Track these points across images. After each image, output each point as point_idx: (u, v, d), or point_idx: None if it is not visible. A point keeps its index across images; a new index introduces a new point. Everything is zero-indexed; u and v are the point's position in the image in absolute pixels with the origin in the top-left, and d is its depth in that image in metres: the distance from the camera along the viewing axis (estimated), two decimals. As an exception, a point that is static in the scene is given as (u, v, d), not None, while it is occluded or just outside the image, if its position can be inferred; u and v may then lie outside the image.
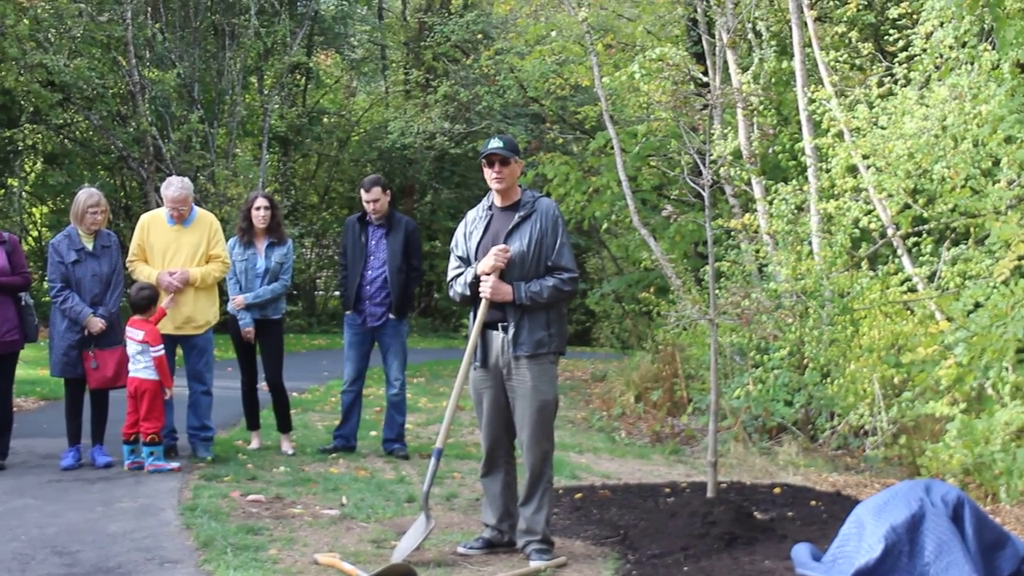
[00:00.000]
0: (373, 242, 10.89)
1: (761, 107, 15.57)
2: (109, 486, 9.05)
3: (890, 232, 12.55)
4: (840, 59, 14.04)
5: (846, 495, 9.49)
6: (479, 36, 30.23)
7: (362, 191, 11.07)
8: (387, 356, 11.04)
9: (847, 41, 14.99)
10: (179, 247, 10.34)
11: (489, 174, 7.22)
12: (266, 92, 32.44)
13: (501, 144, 7.20)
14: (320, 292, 39.10)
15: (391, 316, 10.85)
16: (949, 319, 10.70)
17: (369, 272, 10.86)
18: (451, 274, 7.41)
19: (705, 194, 8.70)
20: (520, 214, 7.16)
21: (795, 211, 13.22)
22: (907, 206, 12.15)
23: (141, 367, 9.79)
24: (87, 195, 10.09)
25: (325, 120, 37.27)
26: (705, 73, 17.58)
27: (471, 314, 7.31)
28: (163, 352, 9.88)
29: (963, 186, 11.21)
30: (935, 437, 10.11)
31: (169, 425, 10.35)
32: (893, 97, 12.16)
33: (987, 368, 9.39)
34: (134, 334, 9.80)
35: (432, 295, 38.51)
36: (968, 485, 9.33)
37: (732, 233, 14.95)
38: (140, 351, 9.78)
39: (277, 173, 34.44)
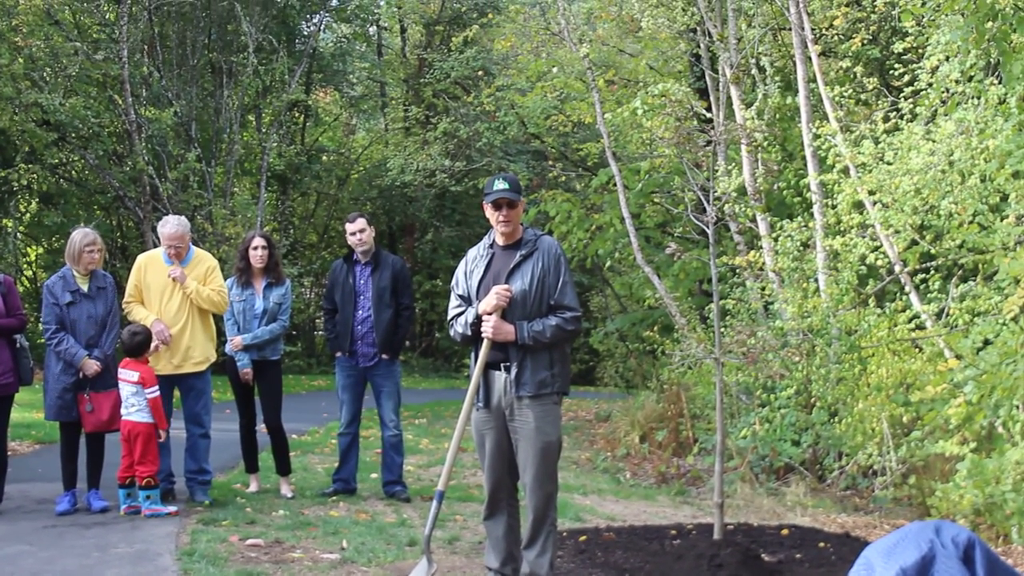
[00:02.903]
0: (362, 281, 10.91)
1: (765, 143, 15.61)
2: (105, 531, 9.03)
3: (897, 269, 12.56)
4: (845, 94, 14.09)
5: (855, 536, 9.46)
6: (479, 73, 30.38)
7: (347, 224, 11.11)
8: (380, 398, 11.05)
9: (852, 76, 15.06)
10: (176, 287, 10.34)
11: (496, 217, 7.20)
12: (264, 130, 32.52)
13: (507, 186, 7.18)
14: (320, 332, 39.09)
15: (383, 356, 10.86)
16: (958, 357, 10.69)
17: (359, 312, 10.88)
18: (451, 313, 7.40)
19: (709, 231, 8.71)
20: (522, 252, 7.16)
21: (801, 248, 13.24)
22: (914, 242, 12.17)
23: (134, 410, 9.77)
24: (82, 235, 10.10)
25: (324, 158, 37.37)
26: (708, 109, 17.66)
27: (472, 354, 7.30)
28: (159, 394, 9.88)
29: (971, 222, 11.22)
30: (945, 477, 10.10)
31: (166, 468, 10.35)
32: (899, 132, 12.19)
33: (997, 406, 9.37)
34: (128, 376, 9.78)
35: (433, 335, 38.52)
36: (979, 526, 9.30)
37: (737, 271, 14.97)
38: (134, 392, 9.76)
39: (275, 212, 34.51)
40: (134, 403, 9.78)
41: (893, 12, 14.14)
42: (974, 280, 11.66)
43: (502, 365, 7.08)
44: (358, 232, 10.89)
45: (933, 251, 12.01)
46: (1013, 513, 9.02)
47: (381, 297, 10.83)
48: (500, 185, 7.19)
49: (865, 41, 15.48)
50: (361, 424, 11.34)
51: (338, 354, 11.14)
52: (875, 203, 12.22)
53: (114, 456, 10.01)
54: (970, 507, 9.28)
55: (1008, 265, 10.28)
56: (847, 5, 15.49)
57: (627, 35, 23.76)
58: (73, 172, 29.30)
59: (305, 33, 34.63)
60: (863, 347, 12.10)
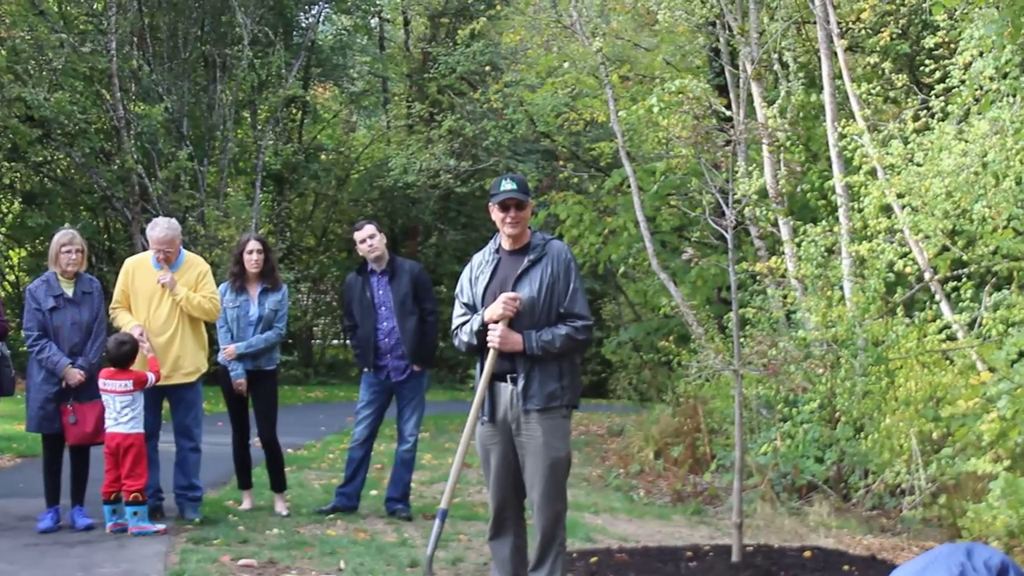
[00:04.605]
0: (380, 292, 10.93)
1: (788, 143, 15.58)
2: (90, 550, 9.04)
3: (927, 276, 12.54)
4: (873, 91, 14.05)
5: (881, 559, 9.45)
6: (487, 68, 30.33)
7: (355, 233, 11.12)
8: (404, 411, 11.06)
9: (880, 72, 15.03)
10: (165, 293, 10.34)
11: (502, 218, 7.20)
12: (260, 127, 32.51)
13: (515, 186, 7.18)
14: (317, 341, 39.11)
15: (414, 368, 10.87)
16: (991, 369, 10.66)
17: (383, 324, 10.90)
18: (456, 322, 7.41)
19: (728, 236, 8.71)
20: (530, 258, 7.16)
21: (825, 254, 13.21)
22: (945, 248, 12.14)
23: (126, 419, 9.76)
24: (60, 234, 10.17)
25: (323, 157, 37.39)
26: (728, 107, 17.62)
27: (478, 365, 7.30)
28: (155, 378, 9.93)
29: (1005, 227, 11.19)
30: (977, 496, 10.07)
31: (154, 484, 10.34)
32: (930, 132, 12.16)
33: (1032, 422, 9.35)
34: (117, 385, 9.75)
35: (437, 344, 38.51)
36: (1013, 549, 9.28)
37: (758, 277, 14.94)
38: (127, 404, 9.75)
39: (271, 214, 34.53)
40: (127, 414, 9.77)
41: (924, 5, 14.12)
42: (1008, 288, 11.63)
43: (509, 376, 7.08)
44: (368, 239, 10.89)
45: (965, 258, 11.99)
46: (1049, 535, 9.00)
47: (403, 305, 10.86)
48: (507, 185, 7.19)
49: (894, 35, 15.47)
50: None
51: (365, 370, 11.14)
52: (904, 207, 12.19)
53: (99, 471, 10.01)
54: (1004, 528, 9.25)
55: (1044, 273, 10.27)
56: (875, -3, 15.48)
57: (643, 28, 23.73)
58: (58, 171, 29.34)
59: (303, 25, 34.66)
60: (891, 359, 12.08)
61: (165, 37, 29.59)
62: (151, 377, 9.92)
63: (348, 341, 12.31)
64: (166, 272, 10.34)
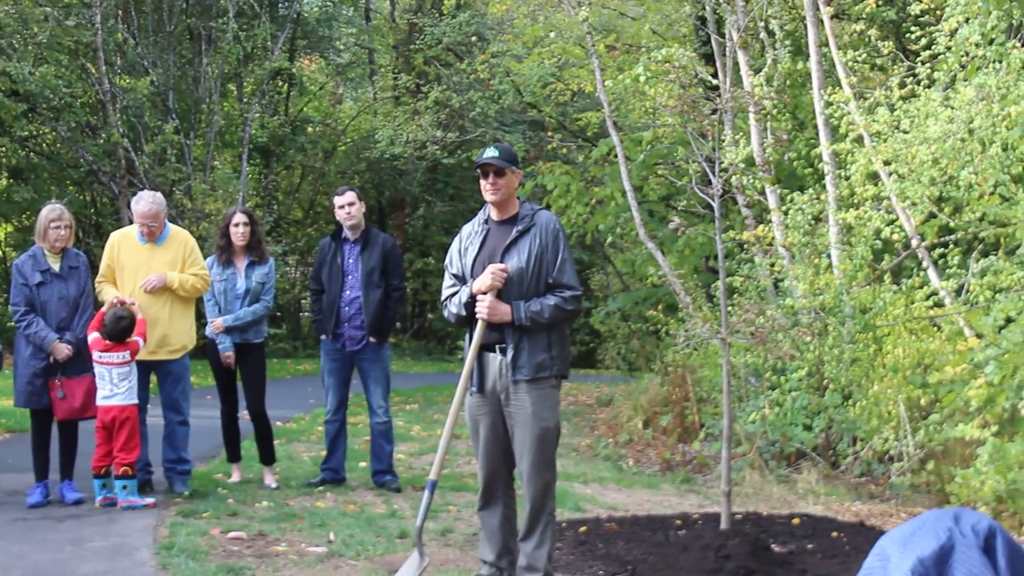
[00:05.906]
0: (350, 260, 10.90)
1: (775, 111, 15.55)
2: (79, 524, 9.02)
3: (914, 243, 12.53)
4: (859, 59, 14.02)
5: (870, 525, 9.47)
6: (473, 38, 30.28)
7: (335, 198, 11.10)
8: (368, 383, 11.05)
9: (866, 40, 14.98)
10: (151, 267, 10.28)
11: (483, 185, 7.21)
12: (246, 100, 32.39)
13: (497, 153, 7.18)
14: (305, 314, 39.07)
15: (371, 340, 10.84)
16: (979, 335, 10.66)
17: (347, 293, 10.86)
18: (445, 293, 7.39)
19: (715, 205, 8.68)
20: (518, 228, 7.14)
21: (812, 222, 13.19)
22: (932, 215, 12.13)
23: (124, 390, 9.73)
24: (48, 209, 10.08)
25: (309, 129, 37.27)
26: (714, 75, 17.57)
27: (467, 336, 7.29)
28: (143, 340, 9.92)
29: (992, 193, 11.18)
30: (965, 462, 10.09)
31: (143, 458, 10.31)
32: (916, 99, 12.12)
33: (1020, 387, 9.35)
34: (114, 357, 9.72)
35: (425, 316, 38.50)
36: (1001, 514, 9.30)
37: (745, 246, 14.92)
38: (123, 376, 9.72)
39: (258, 186, 34.44)
40: (125, 384, 9.74)
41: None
42: (995, 254, 11.62)
43: (498, 347, 7.07)
44: (347, 206, 10.87)
45: (952, 224, 11.97)
46: (1036, 500, 9.02)
47: (370, 277, 10.81)
48: (489, 153, 7.20)
49: (880, 2, 15.41)
50: (349, 410, 11.32)
51: (323, 337, 11.13)
52: (891, 174, 12.17)
53: (88, 445, 9.98)
54: (991, 494, 9.27)
55: (1031, 238, 10.25)
56: (861, -36, 15.42)
57: (628, -2, 23.72)
58: (44, 145, 29.24)
59: (288, -3, 34.52)
60: (878, 326, 12.08)
61: (150, 10, 29.41)
62: (140, 342, 9.89)
63: (311, 307, 12.28)
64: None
